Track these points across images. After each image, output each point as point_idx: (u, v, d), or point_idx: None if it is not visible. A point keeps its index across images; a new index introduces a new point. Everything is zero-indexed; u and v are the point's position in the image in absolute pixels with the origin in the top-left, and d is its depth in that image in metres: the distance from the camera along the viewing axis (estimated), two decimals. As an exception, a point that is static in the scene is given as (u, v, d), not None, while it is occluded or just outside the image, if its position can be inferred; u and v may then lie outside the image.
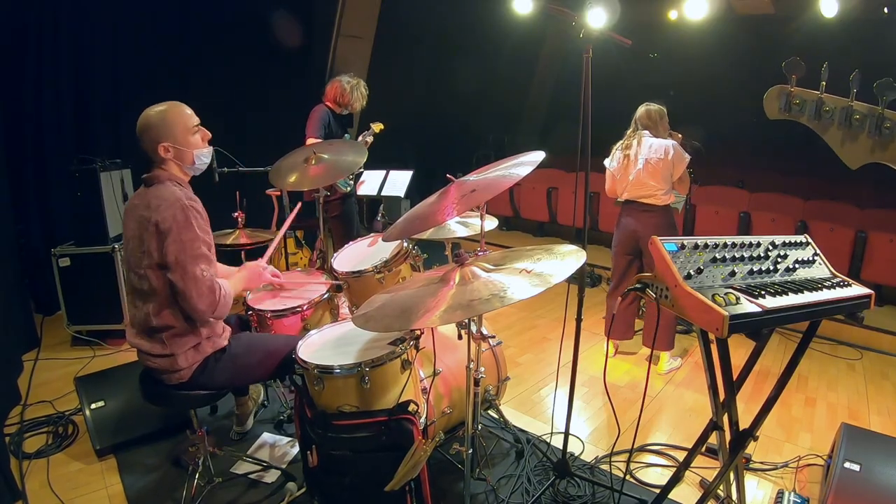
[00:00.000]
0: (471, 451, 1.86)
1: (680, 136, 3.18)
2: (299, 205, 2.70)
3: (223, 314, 1.81)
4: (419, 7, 5.99)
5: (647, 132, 3.11)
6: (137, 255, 1.70)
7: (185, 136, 1.78)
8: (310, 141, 3.35)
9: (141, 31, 4.30)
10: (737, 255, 1.45)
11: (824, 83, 1.38)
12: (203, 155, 1.85)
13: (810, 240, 1.60)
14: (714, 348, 1.54)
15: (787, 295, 1.35)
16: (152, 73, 4.37)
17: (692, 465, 1.73)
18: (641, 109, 3.17)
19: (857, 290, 1.45)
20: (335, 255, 2.49)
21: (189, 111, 1.82)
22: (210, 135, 1.88)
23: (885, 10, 5.04)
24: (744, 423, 1.63)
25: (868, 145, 1.36)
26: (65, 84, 3.88)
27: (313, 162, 2.57)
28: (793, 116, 1.43)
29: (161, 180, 1.75)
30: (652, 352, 1.89)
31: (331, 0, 5.49)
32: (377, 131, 3.53)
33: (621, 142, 3.20)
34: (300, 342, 1.86)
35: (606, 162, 3.25)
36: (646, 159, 3.04)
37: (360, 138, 3.48)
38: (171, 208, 1.67)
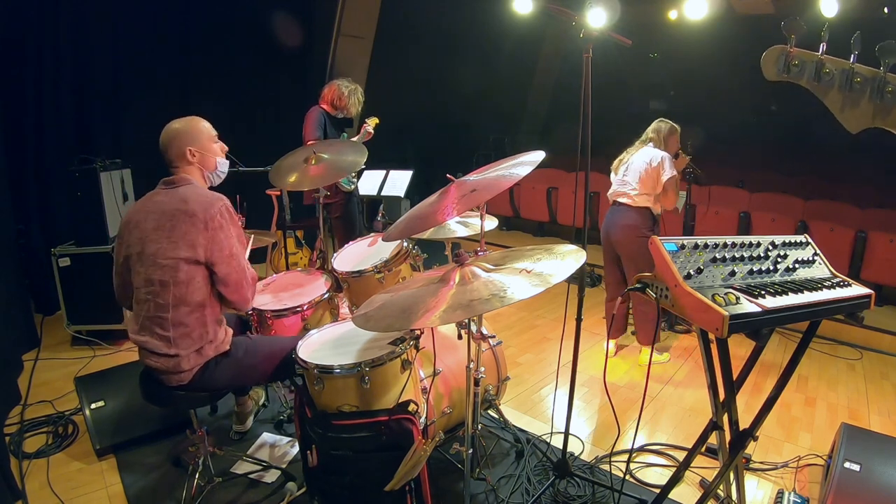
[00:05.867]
0: (471, 451, 1.86)
1: (688, 159, 3.27)
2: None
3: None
4: (419, 7, 5.99)
5: (650, 144, 3.20)
6: (163, 247, 1.72)
7: (209, 144, 1.91)
8: (310, 144, 3.34)
9: (141, 30, 4.30)
10: (737, 255, 1.45)
11: (824, 45, 1.33)
12: (223, 164, 1.98)
13: (810, 240, 1.60)
14: (714, 348, 1.54)
15: (787, 295, 1.35)
16: (152, 73, 4.37)
17: (692, 465, 1.73)
18: (654, 123, 3.26)
19: (857, 290, 1.44)
20: (335, 254, 2.49)
21: (209, 124, 1.95)
22: (227, 148, 2.00)
23: (886, 10, 5.04)
24: (744, 423, 1.63)
25: (869, 110, 1.31)
26: (65, 84, 3.88)
27: (313, 162, 2.58)
28: (791, 78, 1.37)
29: (188, 181, 1.84)
30: (653, 349, 1.90)
31: (331, 0, 5.49)
32: (373, 126, 3.53)
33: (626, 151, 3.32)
34: (300, 342, 1.86)
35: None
36: (632, 162, 3.18)
37: (358, 136, 3.48)
38: (215, 206, 1.76)
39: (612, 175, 3.31)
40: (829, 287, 1.43)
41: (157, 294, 1.73)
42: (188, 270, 1.73)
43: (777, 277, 1.47)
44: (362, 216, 4.21)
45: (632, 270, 3.24)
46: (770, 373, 3.25)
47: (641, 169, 3.11)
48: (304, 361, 1.71)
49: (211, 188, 1.95)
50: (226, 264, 1.78)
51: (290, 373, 1.93)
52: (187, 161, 1.85)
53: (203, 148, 1.88)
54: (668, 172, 3.05)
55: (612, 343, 3.52)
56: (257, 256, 4.80)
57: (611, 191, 3.29)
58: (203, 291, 1.78)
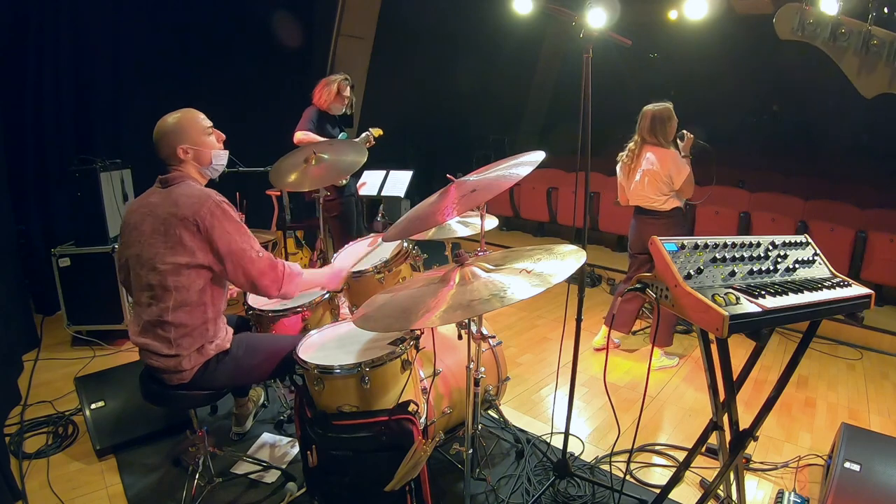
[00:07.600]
0: (471, 451, 1.86)
1: (691, 136, 3.07)
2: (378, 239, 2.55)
3: (290, 292, 1.89)
4: (419, 7, 6.00)
5: (650, 144, 3.04)
6: (160, 252, 1.70)
7: (201, 137, 1.84)
8: (297, 135, 3.33)
9: (141, 31, 4.30)
10: (737, 255, 1.45)
11: (841, 3, 1.31)
12: (220, 156, 1.91)
13: (810, 240, 1.60)
14: (714, 348, 1.54)
15: (787, 295, 1.35)
16: (152, 73, 4.37)
17: (692, 465, 1.73)
18: (647, 114, 3.04)
19: (857, 290, 1.45)
20: (335, 254, 2.49)
21: (202, 115, 1.89)
22: (224, 136, 1.94)
23: (886, 10, 5.04)
24: (744, 423, 1.63)
25: (886, 75, 1.26)
26: (65, 84, 3.88)
27: (313, 162, 2.58)
28: (806, 38, 1.31)
29: (182, 179, 1.79)
30: (653, 348, 1.90)
31: (331, 0, 5.49)
32: (376, 136, 3.52)
33: (624, 153, 3.19)
34: (300, 342, 1.86)
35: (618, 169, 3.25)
36: (643, 171, 3.06)
37: (359, 139, 3.47)
38: (205, 205, 1.71)
39: (620, 180, 3.22)
40: (829, 287, 1.43)
41: (157, 298, 1.73)
42: (189, 274, 1.72)
43: (777, 277, 1.47)
44: (361, 217, 4.20)
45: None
46: (770, 373, 3.25)
47: (655, 177, 3.04)
48: (305, 362, 1.71)
49: (210, 182, 1.93)
50: (229, 262, 1.74)
51: (290, 371, 1.93)
52: (180, 159, 1.81)
53: (195, 143, 1.82)
54: (683, 169, 2.98)
55: (604, 333, 3.51)
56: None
57: (631, 200, 3.22)
58: (204, 293, 1.77)
